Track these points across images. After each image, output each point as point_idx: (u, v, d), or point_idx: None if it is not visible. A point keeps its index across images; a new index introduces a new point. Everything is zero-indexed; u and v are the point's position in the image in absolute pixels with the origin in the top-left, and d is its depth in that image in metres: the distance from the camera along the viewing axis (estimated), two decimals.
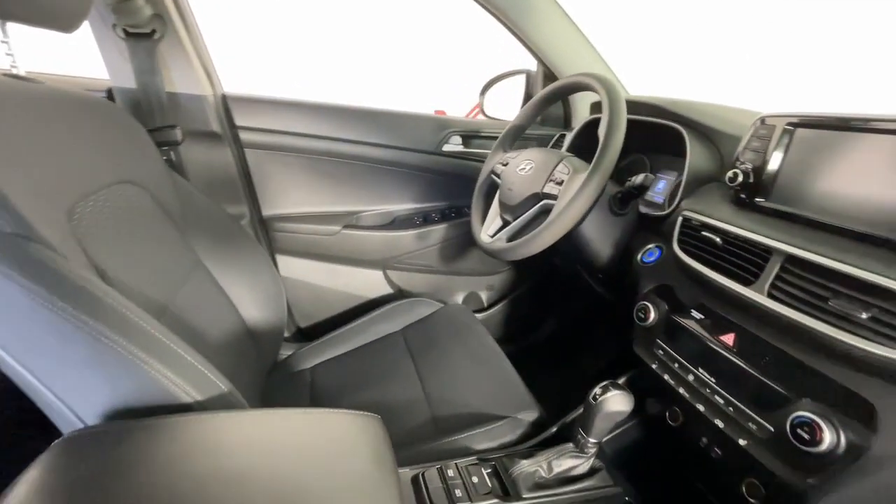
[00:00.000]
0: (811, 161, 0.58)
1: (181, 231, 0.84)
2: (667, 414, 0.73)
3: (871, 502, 0.45)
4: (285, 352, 1.14)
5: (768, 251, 0.56)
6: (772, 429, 0.51)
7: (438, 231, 1.28)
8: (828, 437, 0.46)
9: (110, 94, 0.97)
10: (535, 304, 1.50)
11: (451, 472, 0.65)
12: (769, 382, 0.53)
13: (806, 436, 0.47)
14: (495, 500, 0.61)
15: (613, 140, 0.71)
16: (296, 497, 0.41)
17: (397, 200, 1.27)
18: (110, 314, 0.47)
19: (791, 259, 0.53)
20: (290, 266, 1.23)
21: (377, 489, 0.44)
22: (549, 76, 1.20)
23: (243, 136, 1.09)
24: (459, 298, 1.42)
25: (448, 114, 3.50)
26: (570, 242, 0.92)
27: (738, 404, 0.55)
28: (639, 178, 0.77)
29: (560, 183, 0.78)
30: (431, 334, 1.07)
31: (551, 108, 1.31)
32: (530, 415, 0.79)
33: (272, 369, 1.07)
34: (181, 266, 0.82)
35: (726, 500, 0.65)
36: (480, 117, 1.42)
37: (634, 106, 0.81)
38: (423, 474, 0.65)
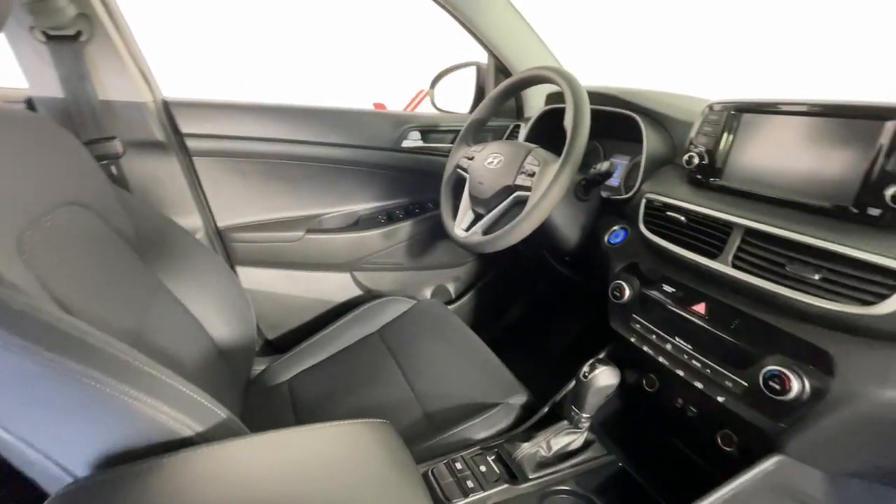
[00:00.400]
0: (756, 142, 0.65)
1: (137, 251, 0.78)
2: (643, 382, 0.80)
3: (832, 435, 0.53)
4: (258, 367, 1.09)
5: (729, 226, 0.62)
6: (746, 384, 0.58)
7: (404, 228, 1.28)
8: (795, 386, 0.52)
9: (31, 105, 0.87)
10: (501, 291, 1.54)
11: (458, 466, 0.66)
12: (740, 344, 0.60)
13: (777, 387, 0.53)
14: (505, 486, 0.64)
15: (581, 132, 0.75)
16: None
17: (360, 200, 1.25)
18: (90, 352, 0.43)
19: (750, 232, 0.60)
20: (253, 277, 1.17)
21: (406, 493, 0.45)
22: (501, 68, 1.22)
23: (190, 143, 1.02)
24: (428, 293, 1.43)
25: (388, 106, 3.45)
26: (537, 230, 0.96)
27: (715, 366, 0.62)
28: (604, 166, 0.82)
29: (531, 175, 0.81)
30: (409, 332, 1.07)
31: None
32: (520, 398, 0.83)
33: (247, 387, 1.03)
34: (144, 289, 0.76)
35: (703, 452, 0.72)
36: (432, 110, 1.42)
37: (590, 96, 0.86)
38: (432, 471, 0.66)
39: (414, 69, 3.30)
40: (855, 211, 0.53)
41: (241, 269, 1.16)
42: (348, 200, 1.24)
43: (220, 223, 1.11)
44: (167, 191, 1.01)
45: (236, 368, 0.92)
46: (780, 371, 0.54)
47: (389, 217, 1.28)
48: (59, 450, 0.42)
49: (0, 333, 0.37)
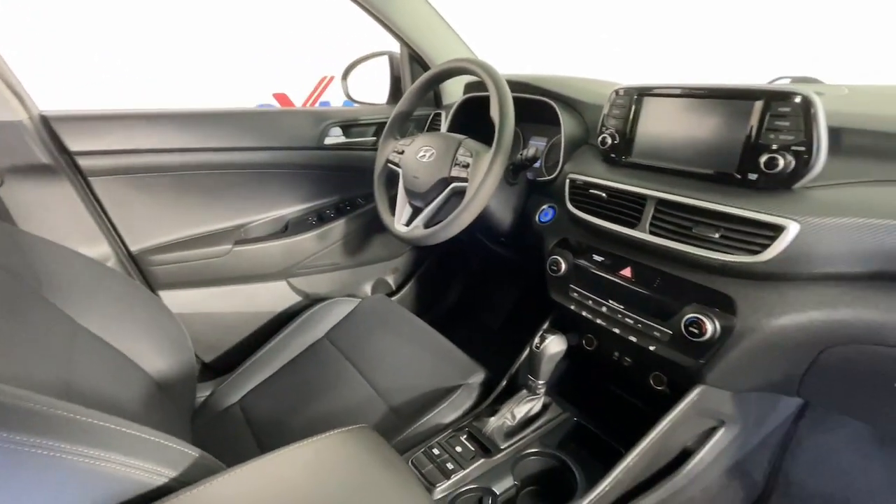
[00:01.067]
0: (658, 122, 0.74)
1: (42, 293, 0.69)
2: (584, 342, 0.89)
3: (738, 362, 0.65)
4: (202, 394, 1.03)
5: (643, 198, 0.71)
6: (671, 332, 0.68)
7: (337, 227, 1.25)
8: (709, 328, 0.63)
9: None
10: (440, 275, 1.59)
11: (436, 451, 0.70)
12: (663, 299, 0.69)
13: (695, 331, 0.64)
14: (482, 461, 0.69)
15: (507, 123, 0.79)
16: None
17: (286, 204, 1.20)
18: (32, 419, 0.39)
19: (661, 202, 0.69)
20: (180, 300, 1.09)
21: (405, 490, 0.47)
22: (416, 58, 1.23)
23: (83, 162, 0.90)
24: (368, 289, 1.43)
25: (290, 96, 3.27)
26: (479, 218, 1.00)
27: (644, 321, 0.71)
28: (529, 151, 0.88)
29: (466, 166, 0.85)
30: (358, 331, 1.07)
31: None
32: (479, 377, 0.88)
33: (194, 417, 0.97)
34: (60, 335, 0.68)
35: (640, 394, 0.84)
36: (341, 98, 1.39)
37: (508, 84, 0.91)
38: (412, 461, 0.69)
39: (314, 55, 3.14)
40: (738, 176, 0.64)
41: (165, 294, 1.06)
42: (274, 206, 1.18)
43: (133, 247, 1.01)
44: (63, 219, 0.90)
45: (180, 400, 0.87)
46: (697, 318, 0.64)
47: (320, 218, 1.25)
48: None
49: None
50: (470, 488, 0.66)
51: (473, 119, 1.09)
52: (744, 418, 0.85)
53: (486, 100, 0.83)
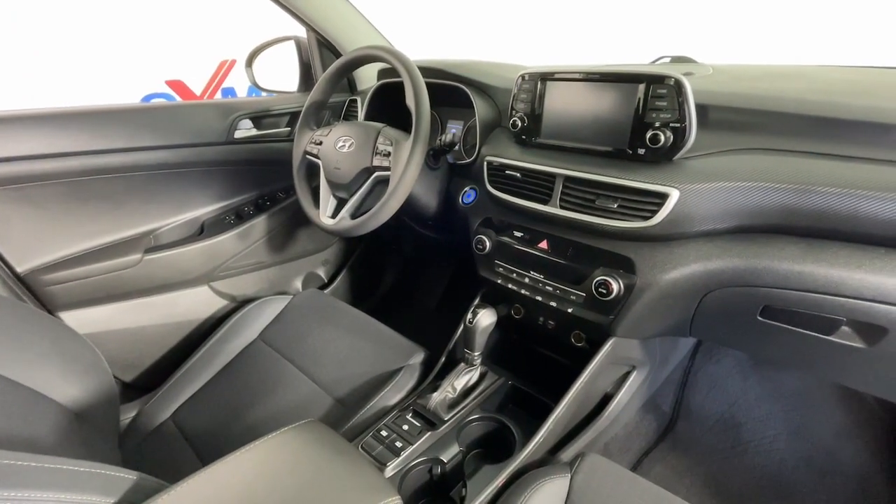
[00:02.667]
0: (560, 104, 0.80)
1: None
2: (512, 312, 0.96)
3: (640, 314, 0.74)
4: (126, 416, 0.97)
5: (553, 176, 0.78)
6: (584, 294, 0.76)
7: (258, 224, 1.21)
8: (615, 287, 0.72)
9: None
10: (371, 263, 1.59)
11: (384, 433, 0.73)
12: (576, 266, 0.77)
13: (604, 291, 0.72)
14: (428, 434, 0.73)
15: (424, 109, 0.82)
16: None
17: (199, 205, 1.13)
18: None
19: (568, 179, 0.76)
20: (87, 319, 0.99)
21: (360, 477, 0.50)
22: (325, 44, 1.20)
23: None
24: (299, 284, 1.40)
25: (186, 83, 2.99)
26: (405, 204, 1.02)
27: (562, 286, 0.79)
28: (448, 137, 0.91)
29: (387, 155, 0.86)
30: (294, 328, 1.06)
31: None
32: (419, 357, 0.92)
33: (121, 441, 0.91)
34: None
35: (564, 351, 0.93)
36: (244, 84, 1.32)
37: (421, 71, 0.92)
38: (361, 446, 0.71)
39: (208, 37, 2.89)
40: (630, 152, 0.72)
41: (68, 315, 0.97)
42: (186, 207, 1.11)
43: (21, 267, 0.90)
44: None
45: (102, 426, 0.81)
46: (604, 279, 0.72)
47: (238, 216, 1.19)
48: None
49: None
50: (419, 461, 0.70)
51: (389, 105, 1.09)
52: (651, 361, 0.98)
53: (401, 85, 0.85)
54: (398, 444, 0.71)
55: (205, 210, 1.14)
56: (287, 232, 1.29)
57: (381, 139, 0.88)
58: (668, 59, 1.10)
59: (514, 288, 0.87)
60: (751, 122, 0.70)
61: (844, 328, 0.63)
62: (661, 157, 0.70)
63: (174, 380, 0.99)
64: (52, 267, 0.93)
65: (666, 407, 1.16)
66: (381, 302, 1.60)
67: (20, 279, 0.90)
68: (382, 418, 0.77)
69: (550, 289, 0.81)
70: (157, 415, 0.93)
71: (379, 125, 0.92)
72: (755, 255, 0.65)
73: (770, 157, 0.66)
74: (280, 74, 1.35)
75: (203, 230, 1.14)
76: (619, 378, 0.96)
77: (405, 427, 0.74)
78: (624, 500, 0.64)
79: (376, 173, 0.88)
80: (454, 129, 1.10)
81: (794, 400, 1.13)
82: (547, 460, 0.78)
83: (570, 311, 0.79)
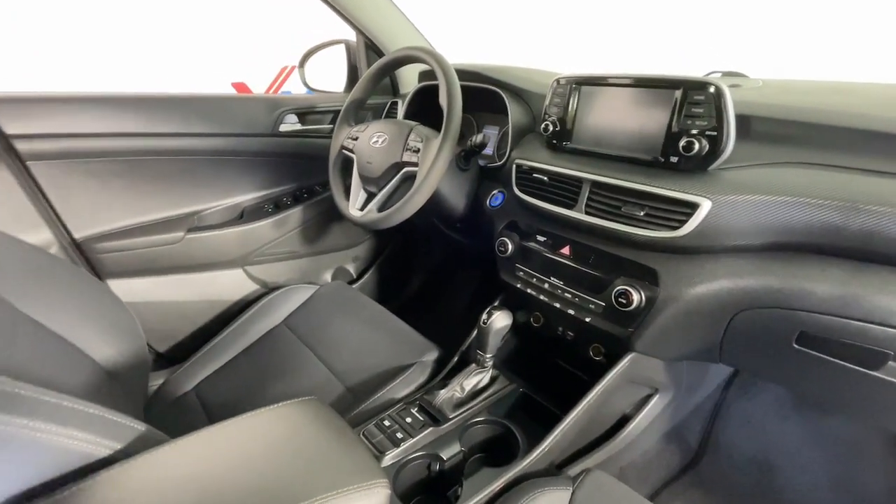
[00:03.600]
0: (594, 110, 0.79)
1: None
2: (531, 319, 0.94)
3: (662, 329, 0.71)
4: (155, 382, 1.02)
5: (580, 181, 0.76)
6: (603, 304, 0.73)
7: (294, 215, 1.26)
8: (636, 298, 0.69)
9: None
10: (400, 263, 1.61)
11: (387, 423, 0.73)
12: (597, 274, 0.75)
13: (623, 301, 0.69)
14: (430, 429, 0.73)
15: (455, 109, 0.83)
16: (284, 498, 0.43)
17: (242, 191, 1.19)
18: None
19: (595, 184, 0.74)
20: (130, 288, 1.06)
21: (352, 457, 0.50)
22: (372, 46, 1.24)
23: (21, 146, 0.87)
24: (328, 277, 1.44)
25: (249, 86, 3.18)
26: (428, 201, 1.03)
27: (581, 294, 0.77)
28: (478, 138, 0.91)
29: (416, 151, 0.87)
30: (316, 317, 1.09)
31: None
32: (432, 355, 0.92)
33: (147, 406, 0.96)
34: None
35: (581, 365, 0.89)
36: (301, 88, 1.39)
37: (459, 73, 0.94)
38: (363, 433, 0.71)
39: (274, 45, 3.08)
40: (662, 160, 0.69)
41: (115, 283, 1.04)
42: (229, 193, 1.17)
43: (78, 234, 0.98)
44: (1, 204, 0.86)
45: (131, 388, 0.86)
46: (625, 289, 0.69)
47: (277, 205, 1.25)
48: None
49: None
50: (418, 455, 0.69)
51: (428, 107, 1.11)
52: (676, 385, 0.92)
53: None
54: (399, 435, 0.71)
55: (246, 197, 1.20)
56: (321, 225, 1.34)
57: (412, 136, 0.90)
58: (718, 74, 1.06)
59: (534, 293, 0.85)
60: (795, 134, 0.66)
61: (893, 363, 0.57)
62: (696, 167, 0.67)
63: (200, 354, 1.03)
64: (104, 236, 1.01)
65: (692, 439, 1.09)
66: (406, 303, 1.61)
67: (76, 245, 0.99)
68: (387, 409, 0.77)
69: (569, 296, 0.79)
70: (182, 385, 0.98)
71: (413, 123, 0.94)
72: (792, 275, 0.60)
73: (815, 171, 0.62)
74: (330, 76, 1.42)
75: (243, 216, 1.20)
76: (640, 400, 0.91)
77: (408, 420, 0.74)
78: None
79: (405, 169, 0.89)
80: (486, 132, 1.10)
81: (840, 448, 1.02)
82: (551, 472, 0.75)
83: (587, 320, 0.76)
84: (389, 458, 0.68)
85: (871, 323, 0.55)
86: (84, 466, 0.43)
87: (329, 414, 0.59)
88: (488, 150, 1.14)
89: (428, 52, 0.89)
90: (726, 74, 1.07)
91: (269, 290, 1.26)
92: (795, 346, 0.63)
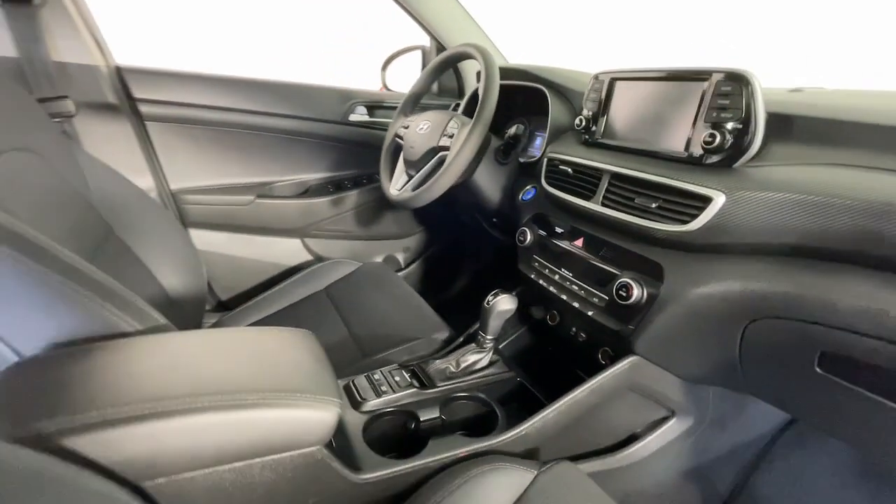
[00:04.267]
0: (624, 104, 0.78)
1: (88, 200, 0.85)
2: (547, 317, 0.92)
3: (667, 332, 0.66)
4: (208, 321, 1.17)
5: (600, 172, 0.75)
6: (606, 297, 0.71)
7: (352, 197, 1.37)
8: (636, 292, 0.66)
9: None
10: (448, 261, 1.66)
11: (377, 377, 0.77)
12: (604, 267, 0.73)
13: (624, 294, 0.67)
14: (414, 390, 0.75)
15: (489, 96, 0.87)
16: (249, 393, 0.49)
17: (309, 170, 1.34)
18: (48, 256, 0.51)
19: (614, 175, 0.73)
20: (205, 239, 1.25)
21: (318, 379, 0.55)
22: (441, 49, 1.34)
23: (143, 108, 1.09)
24: (378, 261, 1.53)
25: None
26: (468, 192, 1.07)
27: (587, 287, 0.75)
28: (512, 130, 0.94)
29: (451, 136, 0.93)
30: (354, 289, 1.17)
31: (447, 81, 1.46)
32: (442, 334, 0.94)
33: None
34: (92, 234, 0.84)
35: (588, 368, 0.85)
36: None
37: (507, 72, 0.98)
38: (353, 381, 0.76)
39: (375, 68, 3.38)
40: (685, 154, 0.67)
41: (194, 232, 1.23)
42: (298, 170, 1.32)
43: (173, 186, 1.18)
44: (120, 151, 1.08)
45: (185, 318, 1.00)
46: (626, 282, 0.67)
47: (338, 186, 1.38)
48: (13, 333, 0.50)
49: None
50: (395, 410, 0.72)
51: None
52: (698, 414, 0.84)
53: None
54: (384, 388, 0.74)
55: (312, 175, 1.34)
56: (375, 210, 1.44)
57: (451, 123, 0.95)
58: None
59: (544, 284, 0.84)
60: (842, 134, 0.59)
61: None
62: (721, 163, 0.63)
63: (248, 305, 1.17)
64: (192, 191, 1.20)
65: (721, 486, 0.97)
66: (446, 300, 1.65)
67: (171, 194, 1.19)
68: (382, 367, 0.81)
69: (576, 288, 0.77)
70: (227, 326, 1.12)
71: (455, 112, 0.99)
72: (812, 283, 0.54)
73: (858, 172, 0.55)
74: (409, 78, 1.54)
75: (307, 192, 1.35)
76: (654, 422, 0.85)
77: (397, 378, 0.77)
78: None
79: (440, 153, 0.95)
80: (519, 125, 1.11)
81: None
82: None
83: (590, 314, 0.74)
84: (368, 406, 0.71)
85: None
86: (107, 334, 0.54)
87: (315, 346, 0.64)
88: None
89: (475, 48, 0.94)
90: (794, 90, 0.98)
91: (320, 262, 1.38)
92: (818, 370, 0.56)
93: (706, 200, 0.60)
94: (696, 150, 0.65)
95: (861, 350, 0.51)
